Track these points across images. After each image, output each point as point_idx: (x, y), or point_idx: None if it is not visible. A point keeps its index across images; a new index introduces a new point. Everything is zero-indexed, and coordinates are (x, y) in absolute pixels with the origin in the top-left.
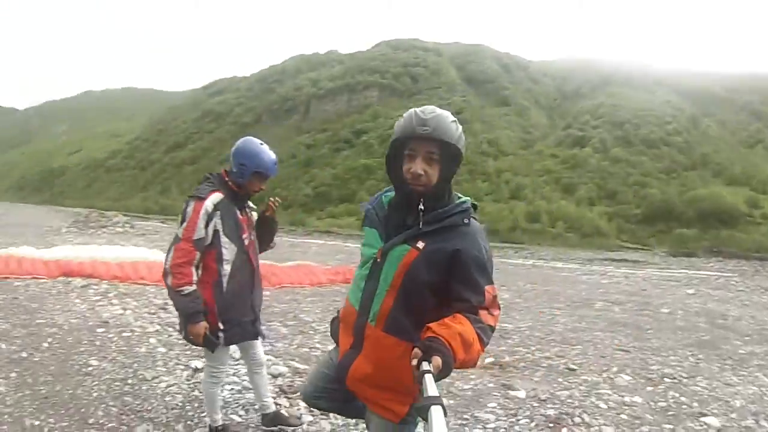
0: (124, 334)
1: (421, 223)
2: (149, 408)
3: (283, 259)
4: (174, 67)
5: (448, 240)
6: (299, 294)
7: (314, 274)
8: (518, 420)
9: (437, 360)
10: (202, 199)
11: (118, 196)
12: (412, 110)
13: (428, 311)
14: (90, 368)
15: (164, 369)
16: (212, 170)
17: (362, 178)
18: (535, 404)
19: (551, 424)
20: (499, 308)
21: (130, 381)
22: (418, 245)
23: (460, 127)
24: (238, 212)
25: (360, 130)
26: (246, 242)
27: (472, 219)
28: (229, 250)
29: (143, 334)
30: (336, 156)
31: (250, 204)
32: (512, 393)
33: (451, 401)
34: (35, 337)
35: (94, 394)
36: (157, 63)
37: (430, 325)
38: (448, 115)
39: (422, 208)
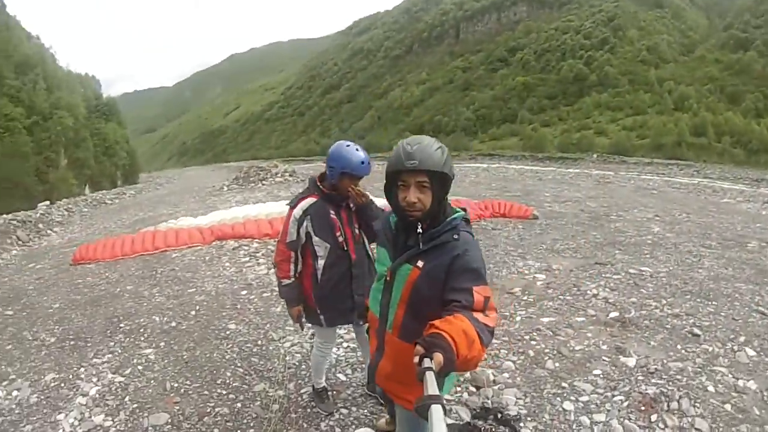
0: (264, 295)
1: (421, 244)
2: (270, 368)
3: None
4: (314, 15)
5: (442, 256)
6: None
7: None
8: (613, 396)
9: (439, 357)
10: (292, 208)
11: (279, 144)
12: (400, 144)
13: (436, 317)
14: (227, 332)
15: (291, 329)
16: (370, 105)
17: (522, 97)
18: (641, 377)
19: (643, 407)
20: (495, 310)
21: (259, 342)
22: (418, 264)
23: (446, 151)
24: (333, 212)
25: (514, 48)
26: (340, 239)
27: (462, 232)
28: (321, 248)
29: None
30: (493, 76)
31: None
32: (622, 360)
33: (557, 363)
34: (185, 306)
35: (227, 357)
36: (297, 14)
37: (434, 322)
38: (431, 144)
39: (420, 231)
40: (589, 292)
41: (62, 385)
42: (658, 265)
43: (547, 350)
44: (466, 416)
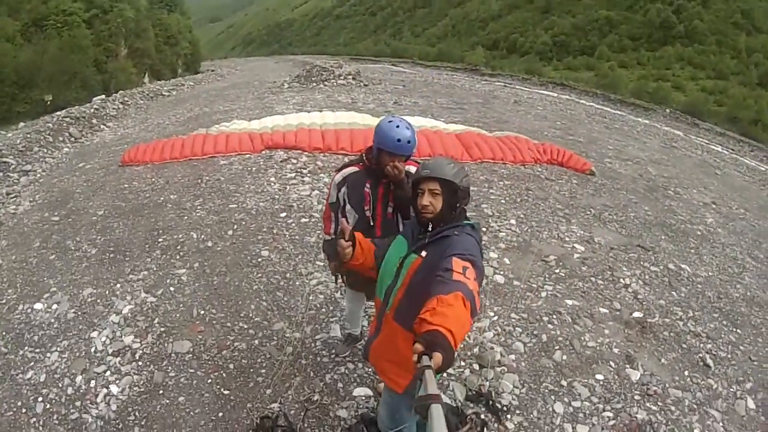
0: (303, 220)
1: (427, 239)
2: (293, 305)
3: (502, 120)
4: None
5: (442, 247)
6: (496, 173)
7: (519, 150)
8: (603, 410)
9: (438, 357)
10: (337, 171)
11: (348, 41)
12: (424, 161)
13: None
14: (260, 259)
15: (320, 264)
16: (445, 13)
17: (603, 31)
18: (637, 396)
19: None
20: (474, 280)
21: (288, 275)
22: (422, 254)
23: (459, 167)
24: (368, 185)
25: None
26: (368, 213)
27: (464, 233)
28: (351, 217)
29: (319, 221)
30: (576, 4)
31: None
32: (628, 371)
33: (565, 357)
34: (223, 224)
35: (254, 287)
36: None
37: (423, 316)
38: (445, 160)
39: (430, 229)
40: (621, 280)
41: (98, 301)
42: (699, 266)
43: (560, 338)
44: (460, 395)
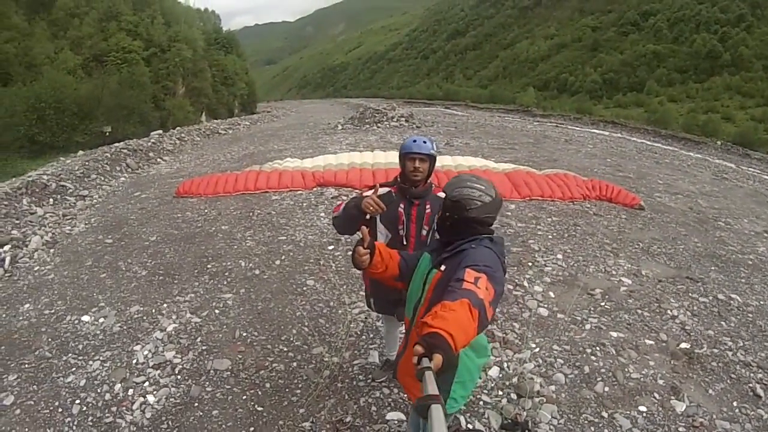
0: (350, 253)
1: (446, 254)
2: (333, 332)
3: (552, 159)
4: None
5: (458, 259)
6: (544, 210)
7: (567, 187)
8: None
9: (438, 358)
10: (368, 188)
11: (401, 85)
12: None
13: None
14: (304, 288)
15: (363, 294)
16: (496, 55)
17: (651, 66)
18: (681, 429)
19: None
20: (487, 289)
21: (331, 303)
22: (441, 268)
23: (465, 190)
24: (402, 206)
25: (647, 12)
26: (402, 233)
27: (481, 246)
28: (383, 236)
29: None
30: (623, 40)
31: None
32: (673, 402)
33: (607, 388)
34: (272, 254)
35: (297, 314)
36: None
37: (425, 320)
38: (476, 179)
39: (450, 249)
40: (669, 312)
41: (144, 318)
42: (749, 296)
43: (603, 370)
44: (495, 423)
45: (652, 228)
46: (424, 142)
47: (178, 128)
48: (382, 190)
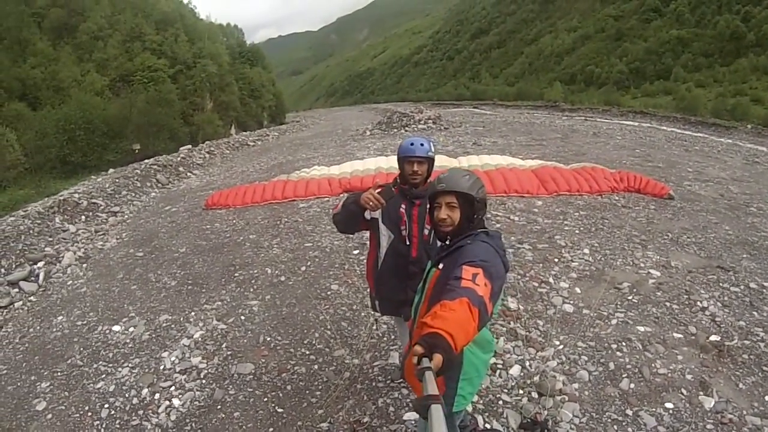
0: None
1: (443, 252)
2: (355, 335)
3: (580, 153)
4: None
5: (455, 257)
6: (572, 205)
7: (595, 180)
8: None
9: (438, 358)
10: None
11: (428, 87)
12: (441, 174)
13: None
14: (329, 293)
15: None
16: (521, 51)
17: (676, 51)
18: (709, 426)
19: None
20: (486, 285)
21: (354, 307)
22: (439, 266)
23: (475, 179)
24: (404, 207)
25: None
26: (404, 233)
27: (477, 241)
28: (385, 237)
29: None
30: (646, 27)
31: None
32: (701, 398)
33: (632, 385)
34: (298, 261)
35: (320, 317)
36: None
37: (425, 320)
38: (461, 173)
39: (448, 243)
40: (699, 303)
41: (172, 326)
42: None
43: (629, 366)
44: (514, 423)
45: (682, 217)
46: (422, 144)
47: (207, 142)
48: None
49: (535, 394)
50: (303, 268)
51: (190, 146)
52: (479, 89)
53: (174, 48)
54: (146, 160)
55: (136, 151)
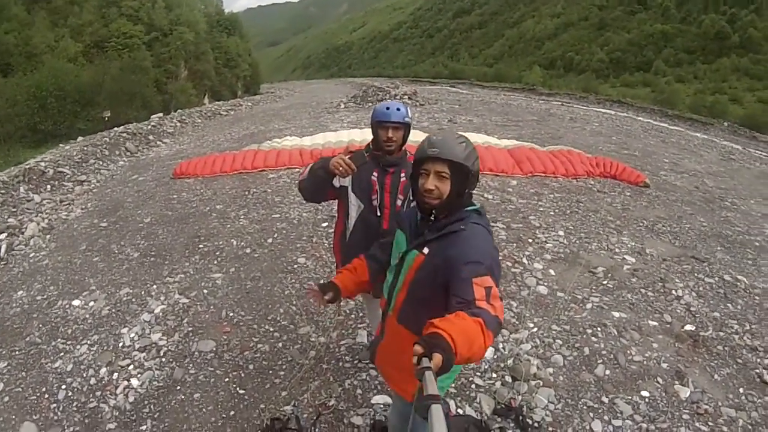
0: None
1: (426, 232)
2: (322, 311)
3: (556, 136)
4: None
5: (447, 245)
6: (547, 186)
7: (571, 164)
8: (648, 429)
9: (438, 357)
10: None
11: (405, 64)
12: (426, 136)
13: (435, 308)
14: (295, 266)
15: None
16: (502, 34)
17: (659, 46)
18: (686, 416)
19: None
20: (500, 299)
21: (322, 281)
22: (424, 251)
23: (471, 146)
24: (376, 175)
25: None
26: (375, 203)
27: (470, 223)
28: (354, 207)
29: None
30: (630, 19)
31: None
32: (677, 387)
33: (608, 371)
34: (264, 233)
35: (286, 292)
36: None
37: (433, 320)
38: (456, 138)
39: (433, 218)
40: (674, 292)
41: (133, 300)
42: (756, 277)
43: (604, 352)
44: (487, 408)
45: (657, 206)
46: (398, 109)
47: (179, 111)
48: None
49: (509, 378)
50: (270, 240)
51: (161, 114)
52: (457, 68)
53: (151, 14)
54: (116, 128)
55: (107, 119)
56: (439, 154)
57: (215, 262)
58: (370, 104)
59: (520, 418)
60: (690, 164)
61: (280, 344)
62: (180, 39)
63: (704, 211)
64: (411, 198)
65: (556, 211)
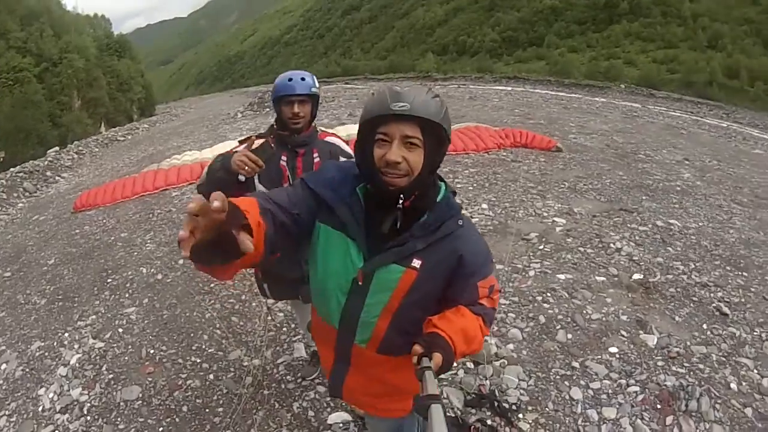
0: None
1: (410, 234)
2: (249, 330)
3: (458, 116)
4: None
5: (448, 249)
6: (460, 164)
7: (480, 139)
8: (628, 385)
9: (438, 357)
10: (240, 144)
11: (299, 66)
12: (384, 86)
13: (428, 317)
14: (212, 285)
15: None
16: (392, 26)
17: (550, 20)
18: (660, 362)
19: (659, 405)
20: (499, 291)
21: (243, 297)
22: (413, 264)
23: (441, 100)
24: (284, 159)
25: None
26: None
27: (462, 219)
28: None
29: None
30: None
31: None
32: (642, 337)
33: (570, 335)
34: (174, 254)
35: (207, 315)
36: None
37: (432, 318)
38: (428, 90)
39: (401, 206)
40: (612, 245)
41: (46, 354)
42: (687, 219)
43: (560, 316)
44: (458, 402)
45: (574, 167)
46: (303, 78)
47: (75, 142)
48: (257, 143)
49: (470, 364)
50: (181, 262)
51: (57, 148)
52: (350, 65)
53: (39, 44)
54: (12, 169)
55: (1, 160)
56: (410, 111)
57: (126, 295)
58: (268, 110)
59: (496, 404)
60: (596, 125)
61: (212, 376)
62: (71, 67)
63: (621, 166)
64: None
65: (475, 185)
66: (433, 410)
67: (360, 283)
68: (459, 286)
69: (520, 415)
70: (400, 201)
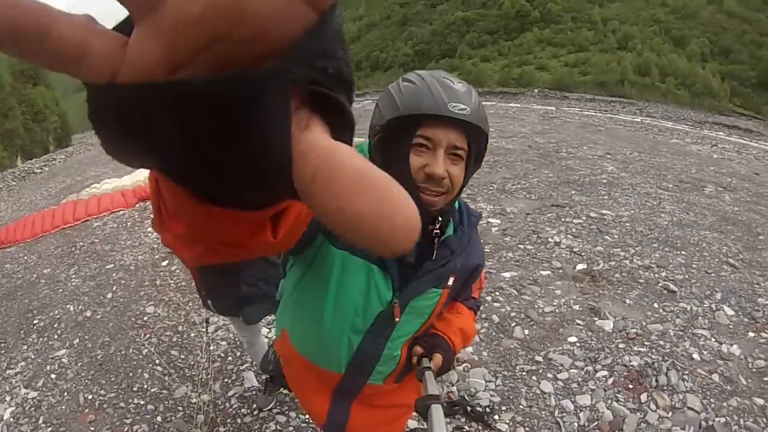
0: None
1: (435, 255)
2: (192, 363)
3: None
4: None
5: (469, 260)
6: None
7: None
8: (596, 371)
9: (438, 358)
10: None
11: None
12: (428, 76)
13: None
14: (145, 318)
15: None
16: None
17: (462, 32)
18: (621, 344)
19: (630, 385)
20: (484, 279)
21: (180, 328)
22: (449, 283)
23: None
24: None
25: None
26: None
27: (470, 218)
28: None
29: None
30: (432, 12)
31: None
32: (598, 323)
33: (526, 331)
34: (101, 288)
35: (144, 351)
36: None
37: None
38: (464, 84)
39: (438, 232)
40: (550, 239)
41: None
42: (618, 208)
43: (513, 314)
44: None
45: (500, 169)
46: None
47: None
48: None
49: None
50: (109, 296)
51: None
52: None
53: None
54: None
55: None
56: (469, 117)
57: (55, 336)
58: None
59: (469, 409)
60: (515, 128)
61: (159, 418)
62: None
63: (545, 165)
64: None
65: None
66: (433, 410)
67: (397, 319)
68: (463, 287)
69: (496, 417)
70: (438, 224)
